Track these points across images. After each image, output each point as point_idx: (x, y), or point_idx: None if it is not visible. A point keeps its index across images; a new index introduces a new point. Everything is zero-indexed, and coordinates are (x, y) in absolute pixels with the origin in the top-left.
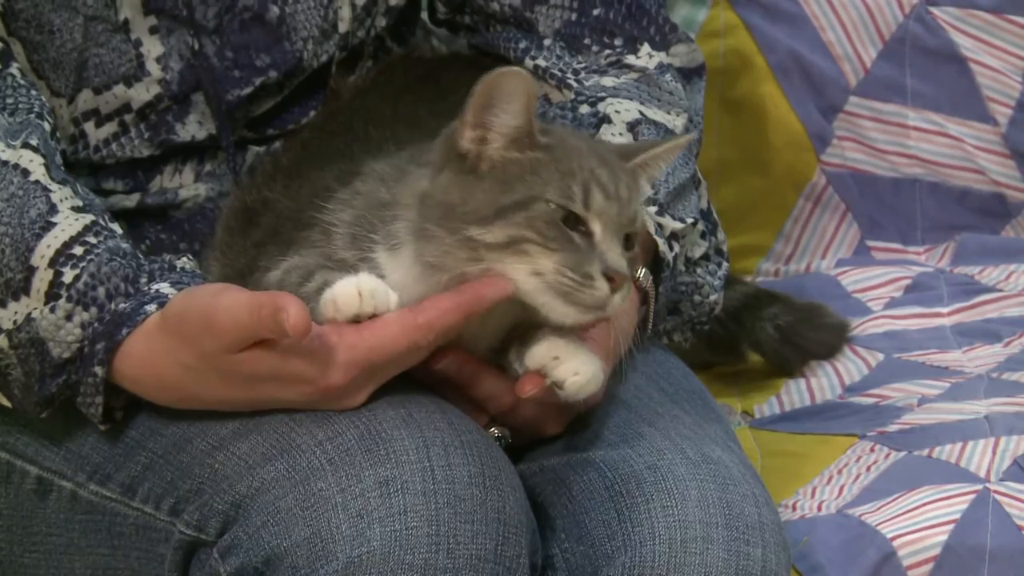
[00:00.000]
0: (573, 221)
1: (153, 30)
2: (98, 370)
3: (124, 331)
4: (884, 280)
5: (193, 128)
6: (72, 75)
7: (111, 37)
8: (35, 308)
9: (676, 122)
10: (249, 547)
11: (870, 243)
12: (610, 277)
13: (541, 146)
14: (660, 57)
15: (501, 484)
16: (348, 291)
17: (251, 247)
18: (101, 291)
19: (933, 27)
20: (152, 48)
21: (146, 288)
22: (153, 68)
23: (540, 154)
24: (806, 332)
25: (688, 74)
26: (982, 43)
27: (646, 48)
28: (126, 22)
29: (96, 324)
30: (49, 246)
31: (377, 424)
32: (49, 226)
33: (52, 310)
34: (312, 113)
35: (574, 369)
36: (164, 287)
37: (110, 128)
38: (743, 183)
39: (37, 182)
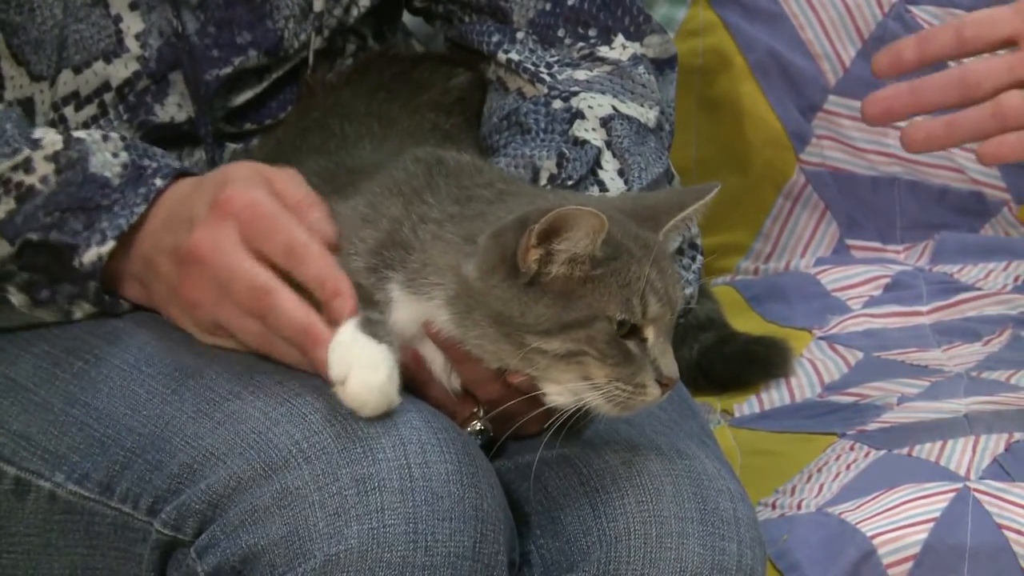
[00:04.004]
0: (630, 331)
1: (133, 6)
2: (159, 182)
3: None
4: (863, 279)
5: (172, 110)
6: (53, 54)
7: (90, 12)
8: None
9: (649, 115)
10: (226, 546)
11: (849, 241)
12: (663, 383)
13: (600, 261)
14: (634, 48)
15: (479, 482)
16: (364, 385)
17: None
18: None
19: (912, 26)
20: (132, 24)
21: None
22: (132, 45)
23: (600, 270)
24: (716, 361)
25: (661, 65)
26: None
27: (620, 39)
28: None
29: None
30: (48, 131)
31: (354, 422)
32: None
33: (104, 139)
34: (290, 109)
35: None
36: None
37: (90, 110)
38: (722, 182)
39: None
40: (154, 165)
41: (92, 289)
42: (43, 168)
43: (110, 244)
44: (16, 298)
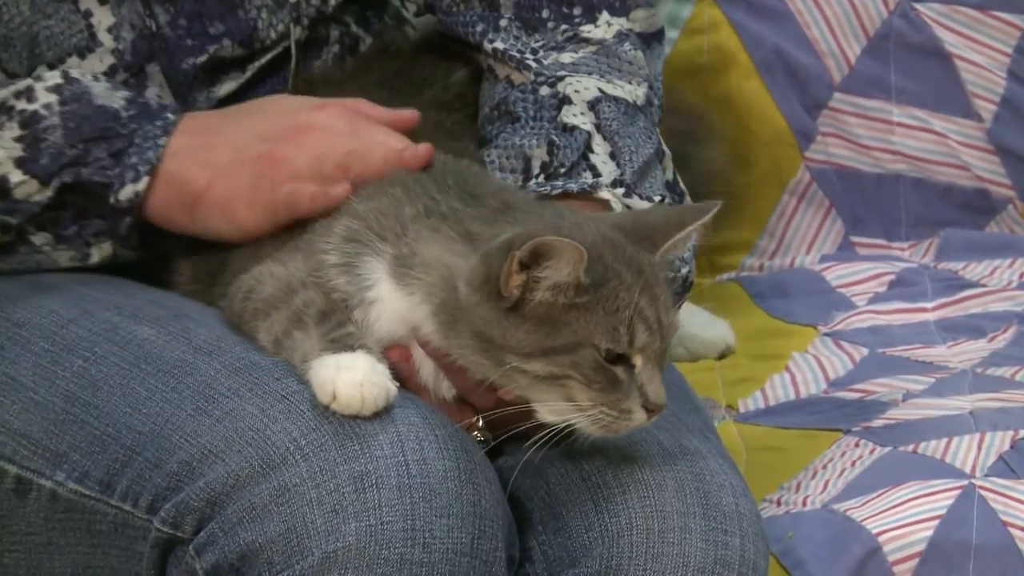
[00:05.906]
0: (617, 357)
1: (103, 0)
2: (171, 116)
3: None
4: (868, 275)
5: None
6: (24, 51)
7: (58, 8)
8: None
9: (637, 92)
10: (225, 543)
11: (854, 239)
12: (650, 409)
13: (586, 289)
14: (619, 24)
15: (476, 478)
16: (349, 385)
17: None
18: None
19: (917, 23)
20: (103, 18)
21: None
22: (105, 38)
23: (586, 297)
24: None
25: (648, 39)
26: (966, 39)
27: (605, 16)
28: None
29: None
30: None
31: (351, 420)
32: None
33: (95, 79)
34: None
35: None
36: None
37: None
38: (727, 179)
39: None
40: (155, 101)
41: (126, 224)
42: (45, 97)
43: (144, 181)
44: (37, 237)
